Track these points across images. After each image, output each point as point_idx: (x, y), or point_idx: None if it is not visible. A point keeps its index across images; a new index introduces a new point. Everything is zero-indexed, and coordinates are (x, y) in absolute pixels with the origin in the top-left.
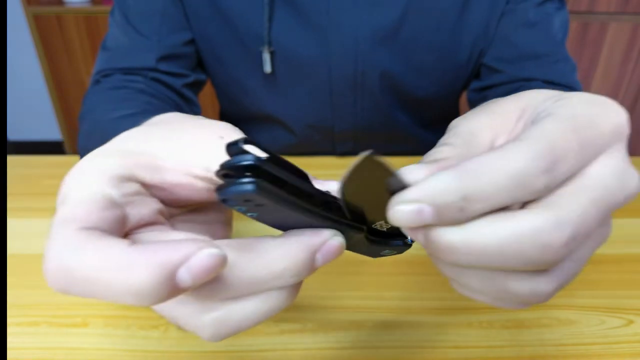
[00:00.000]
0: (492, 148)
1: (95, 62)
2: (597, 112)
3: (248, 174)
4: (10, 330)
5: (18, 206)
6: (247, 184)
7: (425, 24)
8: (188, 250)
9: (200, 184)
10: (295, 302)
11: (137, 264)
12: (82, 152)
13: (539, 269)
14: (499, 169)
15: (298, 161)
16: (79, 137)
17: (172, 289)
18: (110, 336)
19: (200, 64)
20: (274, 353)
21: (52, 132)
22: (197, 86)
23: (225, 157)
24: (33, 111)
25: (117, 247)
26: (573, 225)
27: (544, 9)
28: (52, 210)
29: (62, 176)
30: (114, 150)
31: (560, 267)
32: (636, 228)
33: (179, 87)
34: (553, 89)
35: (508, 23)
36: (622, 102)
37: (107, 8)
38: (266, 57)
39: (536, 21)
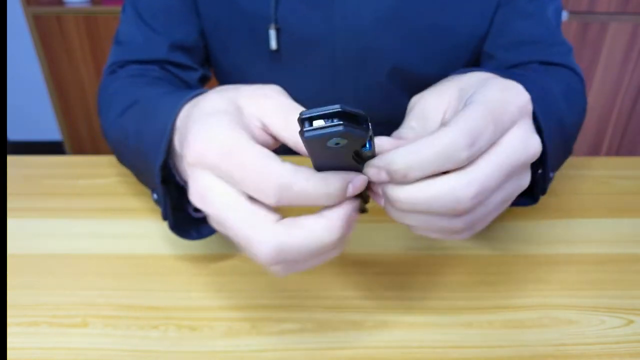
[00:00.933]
0: (441, 123)
1: (108, 56)
2: (507, 96)
3: (335, 119)
4: (10, 330)
5: (18, 206)
6: (336, 125)
7: (427, 4)
8: (355, 176)
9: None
10: (295, 302)
11: (332, 181)
12: (110, 121)
13: (457, 214)
14: (432, 147)
15: (296, 160)
16: (104, 110)
17: (342, 197)
18: (110, 336)
19: (207, 61)
20: (274, 353)
21: (52, 132)
22: (203, 82)
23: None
24: (33, 111)
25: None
26: (480, 183)
27: (540, 1)
28: (52, 210)
29: (62, 176)
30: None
31: (472, 212)
32: (636, 228)
33: (189, 80)
34: (551, 68)
35: (506, 15)
36: (622, 102)
37: (107, 8)
38: (272, 33)
39: (533, 12)
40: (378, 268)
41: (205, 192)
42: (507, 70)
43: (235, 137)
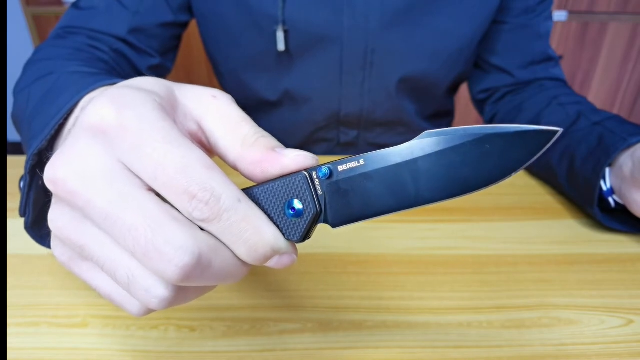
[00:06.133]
0: None
1: (60, 18)
2: None
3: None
4: (10, 330)
5: (18, 206)
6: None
7: (433, 8)
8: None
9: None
10: (295, 302)
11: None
12: (21, 87)
13: None
14: None
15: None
16: (23, 75)
17: (267, 257)
18: (110, 336)
19: (171, 51)
20: (274, 353)
21: None
22: (160, 71)
23: (218, 114)
24: None
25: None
26: None
27: (550, 22)
28: None
29: None
30: (144, 87)
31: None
32: None
33: (143, 68)
34: (557, 84)
35: (525, 37)
36: (622, 102)
37: None
38: (280, 35)
39: (546, 33)
40: (378, 268)
41: (94, 167)
42: None
43: (161, 118)
